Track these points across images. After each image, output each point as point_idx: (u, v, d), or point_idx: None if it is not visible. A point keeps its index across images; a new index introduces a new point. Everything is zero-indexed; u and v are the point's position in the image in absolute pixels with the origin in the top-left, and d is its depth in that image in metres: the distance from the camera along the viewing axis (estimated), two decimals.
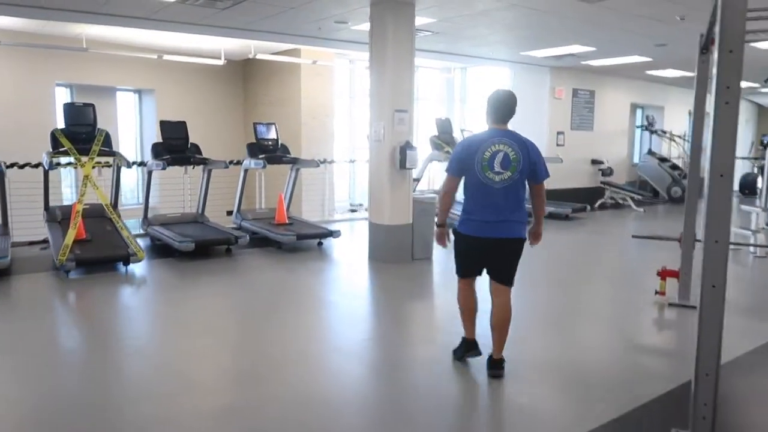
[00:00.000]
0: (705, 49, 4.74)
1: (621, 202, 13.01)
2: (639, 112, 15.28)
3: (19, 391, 3.50)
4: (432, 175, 12.47)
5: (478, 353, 3.81)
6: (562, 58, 10.59)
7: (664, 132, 14.69)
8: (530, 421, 3.22)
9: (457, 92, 14.37)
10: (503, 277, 3.63)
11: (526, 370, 3.80)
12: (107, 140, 7.07)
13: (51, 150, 6.67)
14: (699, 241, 5.19)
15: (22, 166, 7.84)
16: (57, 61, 10.59)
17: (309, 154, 10.98)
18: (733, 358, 3.91)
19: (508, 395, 3.54)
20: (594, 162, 13.28)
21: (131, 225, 10.01)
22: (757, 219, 8.19)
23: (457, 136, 10.11)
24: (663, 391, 3.48)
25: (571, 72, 12.25)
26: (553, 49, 9.79)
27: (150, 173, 7.85)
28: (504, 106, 3.63)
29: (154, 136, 10.22)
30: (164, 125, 7.90)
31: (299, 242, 7.55)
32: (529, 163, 3.53)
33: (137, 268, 6.45)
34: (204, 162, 7.98)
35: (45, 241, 7.13)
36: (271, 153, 8.49)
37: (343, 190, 12.97)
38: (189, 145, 7.99)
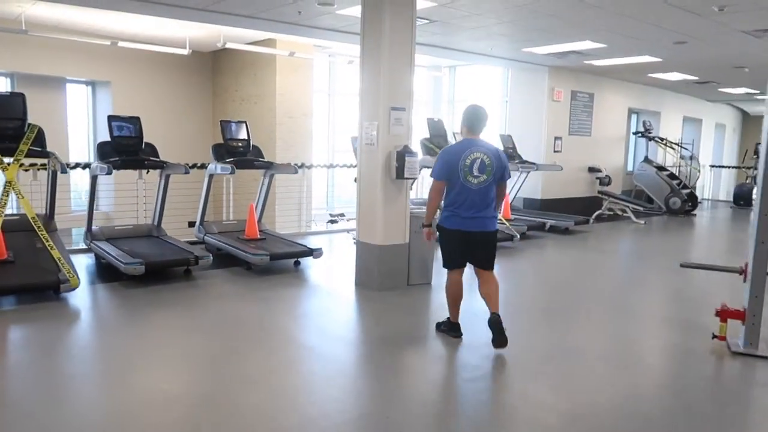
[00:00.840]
0: None
1: (620, 213, 12.15)
2: (634, 117, 14.48)
3: None
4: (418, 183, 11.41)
5: (460, 335, 4.44)
6: (566, 56, 9.64)
7: (662, 139, 13.91)
8: None
9: (445, 93, 13.35)
10: (486, 264, 4.33)
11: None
12: (40, 138, 5.82)
13: None
14: None
15: None
16: None
17: (284, 158, 9.80)
18: None
19: None
20: (591, 170, 12.40)
21: (77, 238, 8.76)
22: None
23: (451, 140, 9.07)
24: None
25: (570, 73, 11.33)
26: (559, 45, 8.82)
27: (94, 178, 6.59)
28: (479, 120, 4.30)
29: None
30: (114, 121, 6.65)
31: (273, 262, 6.39)
32: (500, 167, 4.25)
33: (72, 297, 5.22)
34: (160, 165, 6.76)
35: None
36: (241, 156, 7.31)
37: (320, 197, 11.81)
38: (143, 146, 6.77)
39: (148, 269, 5.62)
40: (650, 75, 11.71)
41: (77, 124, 11.05)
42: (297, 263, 6.73)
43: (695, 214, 13.04)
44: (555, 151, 11.42)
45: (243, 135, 7.39)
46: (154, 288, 5.62)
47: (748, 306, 4.26)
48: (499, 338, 4.10)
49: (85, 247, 6.88)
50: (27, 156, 5.62)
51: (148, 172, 6.88)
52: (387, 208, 5.62)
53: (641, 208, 12.79)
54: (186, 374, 3.87)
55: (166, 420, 3.17)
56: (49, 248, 5.38)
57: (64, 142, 10.55)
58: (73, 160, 9.38)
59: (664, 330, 5.09)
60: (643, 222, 11.44)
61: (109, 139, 6.59)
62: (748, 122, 20.46)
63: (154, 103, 11.22)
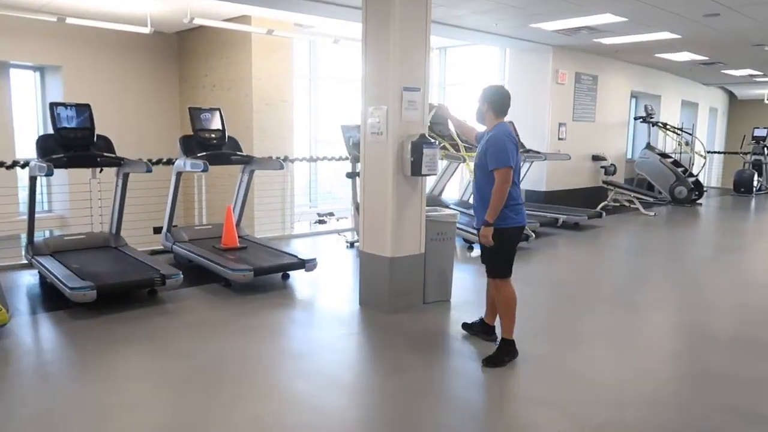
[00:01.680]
0: None
1: (626, 204, 11.31)
2: (633, 102, 13.64)
3: None
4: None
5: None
6: (576, 33, 8.67)
7: (665, 124, 13.10)
8: None
9: (435, 75, 12.29)
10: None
11: None
12: None
13: None
14: None
15: None
16: None
17: (262, 150, 8.65)
18: None
19: None
20: (595, 158, 11.52)
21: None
22: None
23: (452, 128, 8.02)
24: None
25: (575, 53, 10.39)
26: (573, 20, 7.84)
27: (33, 179, 5.39)
28: (509, 101, 3.83)
29: None
30: (58, 109, 5.45)
31: (257, 278, 5.29)
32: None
33: (4, 333, 4.07)
34: (116, 163, 5.59)
35: None
36: (216, 149, 6.17)
37: (301, 194, 10.69)
38: (95, 139, 5.59)
39: (101, 293, 4.49)
40: (657, 55, 10.83)
41: (24, 116, 9.71)
42: (285, 276, 5.66)
43: (701, 204, 12.29)
44: (559, 139, 10.48)
45: (217, 124, 6.25)
46: (109, 317, 4.49)
47: None
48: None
49: (25, 262, 5.70)
50: None
51: (101, 170, 5.70)
52: (400, 213, 4.57)
53: (650, 199, 11.97)
54: None
55: None
56: None
57: (9, 135, 9.24)
58: (20, 157, 8.08)
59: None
60: (653, 213, 10.61)
61: (52, 131, 5.41)
62: (735, 106, 19.89)
63: (112, 90, 9.95)
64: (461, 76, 12.17)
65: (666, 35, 8.61)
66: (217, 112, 6.30)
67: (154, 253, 6.27)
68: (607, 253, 7.94)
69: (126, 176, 5.73)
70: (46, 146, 5.36)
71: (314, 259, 5.57)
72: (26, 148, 9.39)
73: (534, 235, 7.52)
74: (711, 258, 7.80)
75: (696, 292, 5.86)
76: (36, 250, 5.46)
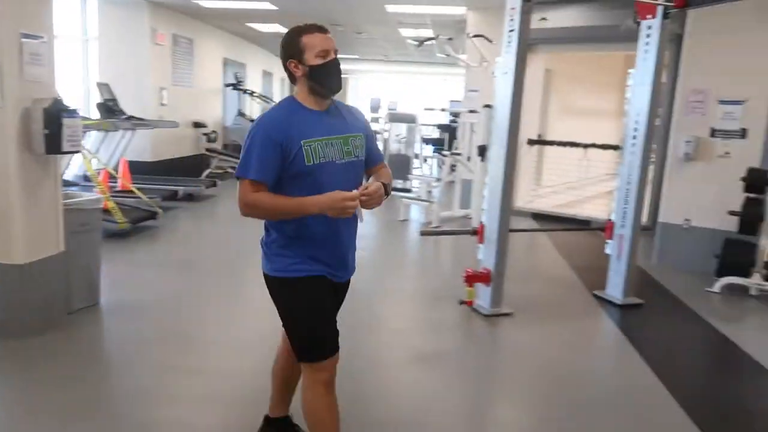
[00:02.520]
0: None
1: (230, 171, 11.47)
2: (225, 69, 13.76)
3: None
4: None
5: None
6: None
7: (252, 92, 13.72)
8: None
9: None
10: None
11: None
12: None
13: None
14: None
15: None
16: None
17: None
18: None
19: None
20: (197, 125, 11.22)
21: None
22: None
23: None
24: None
25: (172, 13, 9.74)
26: None
27: None
28: None
29: None
30: None
31: None
32: None
33: None
34: None
35: None
36: None
37: None
38: None
39: None
40: (248, 24, 11.16)
41: None
42: None
43: None
44: (162, 105, 9.76)
45: None
46: None
47: (495, 266, 4.28)
48: None
49: None
50: None
51: None
52: (29, 205, 3.43)
53: None
54: None
55: None
56: None
57: None
58: None
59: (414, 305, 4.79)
60: None
61: None
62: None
63: None
64: None
65: (266, 5, 8.88)
66: None
67: None
68: (233, 223, 7.91)
69: None
70: None
71: None
72: None
73: (161, 211, 6.88)
74: None
75: None
76: None
